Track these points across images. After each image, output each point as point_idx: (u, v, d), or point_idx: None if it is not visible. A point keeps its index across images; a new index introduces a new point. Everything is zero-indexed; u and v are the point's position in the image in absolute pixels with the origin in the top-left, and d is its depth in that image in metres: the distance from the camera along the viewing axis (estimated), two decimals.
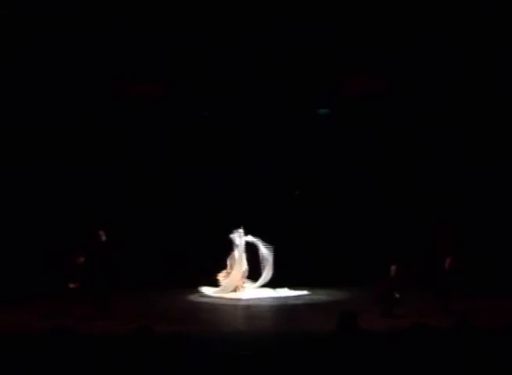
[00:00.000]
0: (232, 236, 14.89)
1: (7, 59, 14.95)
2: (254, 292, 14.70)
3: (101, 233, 12.50)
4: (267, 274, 14.81)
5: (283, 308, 13.34)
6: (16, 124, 15.51)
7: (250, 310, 13.26)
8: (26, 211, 15.46)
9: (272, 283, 14.90)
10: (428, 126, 15.87)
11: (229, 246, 14.93)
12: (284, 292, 14.77)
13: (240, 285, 14.80)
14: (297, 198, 16.74)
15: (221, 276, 14.83)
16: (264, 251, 14.73)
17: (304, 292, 14.82)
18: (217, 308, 13.36)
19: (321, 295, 14.50)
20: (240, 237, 14.88)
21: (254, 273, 14.94)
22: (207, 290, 14.76)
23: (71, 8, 14.65)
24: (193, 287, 14.80)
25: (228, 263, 14.92)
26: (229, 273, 14.85)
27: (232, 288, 14.72)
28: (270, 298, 14.39)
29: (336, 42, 15.24)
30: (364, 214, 16.00)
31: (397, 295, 11.67)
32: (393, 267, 11.97)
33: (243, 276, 14.90)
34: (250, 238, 14.81)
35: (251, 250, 14.86)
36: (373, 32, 15.05)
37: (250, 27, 15.04)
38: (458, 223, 12.59)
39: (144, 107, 16.19)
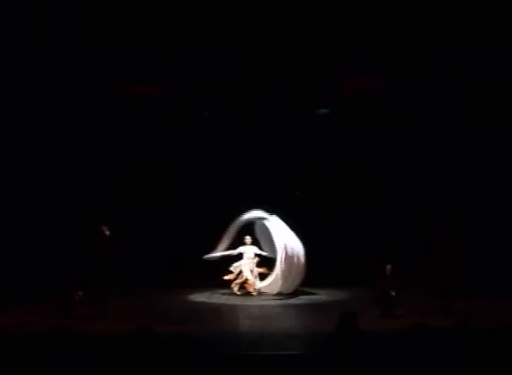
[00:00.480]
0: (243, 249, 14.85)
1: (6, 60, 14.96)
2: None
3: (104, 228, 12.45)
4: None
5: (283, 308, 13.33)
6: (16, 124, 15.51)
7: (250, 310, 13.25)
8: (27, 210, 15.46)
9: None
10: (428, 126, 15.87)
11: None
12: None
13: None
14: (297, 198, 16.73)
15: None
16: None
17: (304, 292, 14.82)
18: (217, 308, 13.35)
19: (321, 295, 14.50)
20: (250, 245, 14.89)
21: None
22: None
23: (71, 8, 14.66)
24: (194, 287, 14.81)
25: (235, 269, 14.77)
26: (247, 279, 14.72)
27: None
28: (270, 298, 14.39)
29: (336, 42, 15.25)
30: (364, 214, 15.99)
31: (393, 294, 11.66)
32: (389, 267, 12.00)
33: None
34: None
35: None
36: (373, 32, 15.05)
37: (250, 27, 15.06)
38: (458, 222, 12.58)
39: (143, 107, 16.19)
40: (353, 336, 6.07)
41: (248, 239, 14.97)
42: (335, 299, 13.99)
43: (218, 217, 15.76)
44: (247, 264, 14.77)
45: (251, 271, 14.77)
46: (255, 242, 15.10)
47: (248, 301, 14.08)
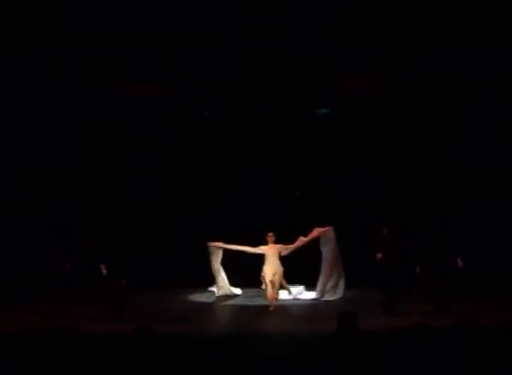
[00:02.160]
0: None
1: (6, 60, 14.96)
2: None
3: (85, 241, 12.48)
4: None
5: (283, 308, 13.33)
6: (15, 125, 15.51)
7: (250, 310, 13.25)
8: (26, 210, 15.46)
9: None
10: (428, 126, 15.86)
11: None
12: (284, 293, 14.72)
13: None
14: (297, 198, 16.72)
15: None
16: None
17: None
18: (217, 308, 13.37)
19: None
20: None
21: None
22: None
23: (71, 8, 14.67)
24: (194, 287, 14.80)
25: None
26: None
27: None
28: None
29: (336, 42, 15.25)
30: (364, 213, 15.98)
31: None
32: (385, 230, 12.65)
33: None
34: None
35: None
36: (373, 32, 15.05)
37: (250, 27, 15.05)
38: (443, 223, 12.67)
39: (144, 107, 16.19)
40: (353, 336, 6.07)
41: (271, 236, 13.78)
42: (335, 299, 13.99)
43: (218, 217, 15.81)
44: (270, 267, 13.57)
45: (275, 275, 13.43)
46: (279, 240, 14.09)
47: (248, 302, 14.09)
